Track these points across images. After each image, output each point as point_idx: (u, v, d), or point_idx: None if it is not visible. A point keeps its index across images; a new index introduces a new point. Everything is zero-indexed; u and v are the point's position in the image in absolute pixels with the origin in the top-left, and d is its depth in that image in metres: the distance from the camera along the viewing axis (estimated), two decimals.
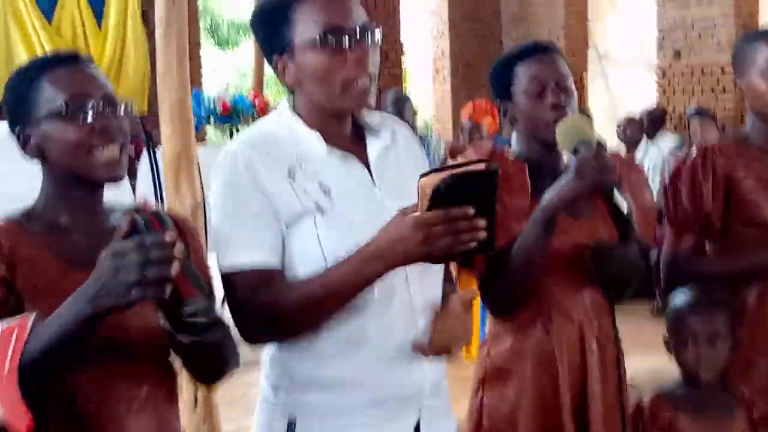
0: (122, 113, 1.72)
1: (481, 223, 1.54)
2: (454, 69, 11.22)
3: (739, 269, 2.52)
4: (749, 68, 2.45)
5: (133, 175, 5.54)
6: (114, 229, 1.67)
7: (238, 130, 6.47)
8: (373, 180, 1.84)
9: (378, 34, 1.82)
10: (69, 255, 1.71)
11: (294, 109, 1.86)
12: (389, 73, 10.64)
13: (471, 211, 1.53)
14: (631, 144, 8.04)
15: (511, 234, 2.11)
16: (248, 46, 11.76)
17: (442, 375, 1.95)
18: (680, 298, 2.45)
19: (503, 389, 2.25)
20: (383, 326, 1.81)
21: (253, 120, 6.42)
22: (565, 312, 2.23)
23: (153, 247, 1.39)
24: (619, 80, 10.66)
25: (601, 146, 2.03)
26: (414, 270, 1.79)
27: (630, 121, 8.12)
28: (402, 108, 6.20)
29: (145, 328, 1.66)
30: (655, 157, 7.60)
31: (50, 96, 1.67)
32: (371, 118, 1.93)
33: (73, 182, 1.71)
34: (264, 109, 6.30)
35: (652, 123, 8.09)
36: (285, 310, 1.71)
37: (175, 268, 1.40)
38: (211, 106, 6.07)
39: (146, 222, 1.45)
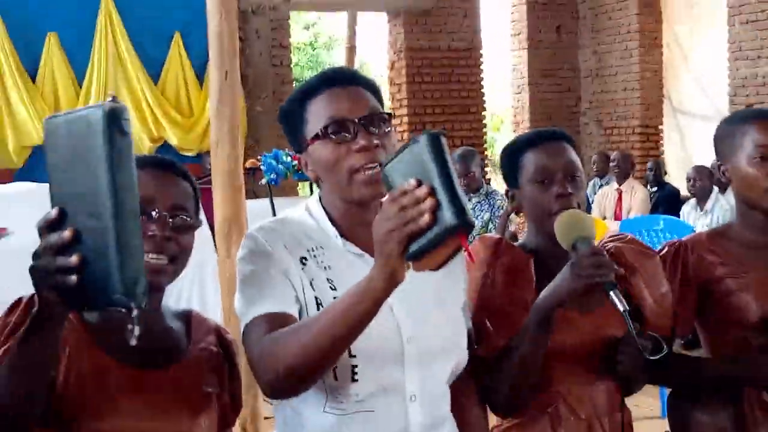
0: None
1: (421, 193, 1.27)
2: (533, 122, 11.00)
3: (735, 373, 2.21)
4: (736, 153, 2.17)
5: None
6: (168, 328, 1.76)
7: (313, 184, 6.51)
8: None
9: (387, 124, 1.71)
10: (114, 347, 1.64)
11: (321, 201, 1.76)
12: (470, 126, 10.53)
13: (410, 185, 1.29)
14: (701, 195, 7.63)
15: (515, 328, 1.95)
16: None
17: None
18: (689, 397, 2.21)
19: None
20: (372, 425, 1.67)
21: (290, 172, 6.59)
22: (573, 408, 2.02)
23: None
24: (693, 133, 10.34)
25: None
26: (413, 371, 1.68)
27: (700, 172, 7.70)
28: (469, 163, 6.13)
29: None
30: (725, 209, 7.19)
31: None
32: None
33: None
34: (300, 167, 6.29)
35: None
36: (286, 353, 1.52)
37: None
38: (290, 161, 6.11)
39: None
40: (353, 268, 1.66)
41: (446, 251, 1.31)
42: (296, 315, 1.63)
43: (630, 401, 2.13)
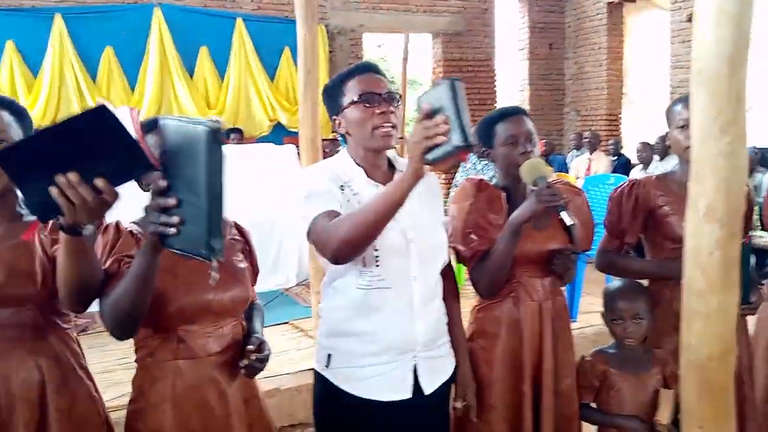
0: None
1: (438, 120, 1.36)
2: (531, 113, 10.70)
3: (653, 271, 2.27)
4: (670, 124, 2.21)
5: None
6: None
7: None
8: None
9: (399, 98, 1.76)
10: None
11: (348, 152, 1.81)
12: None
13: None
14: (646, 161, 7.45)
15: (492, 240, 2.01)
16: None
17: (438, 334, 1.84)
18: (613, 285, 2.22)
19: (484, 343, 2.10)
20: (387, 299, 1.72)
21: None
22: (529, 293, 2.08)
23: None
24: (642, 119, 10.05)
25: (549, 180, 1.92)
26: (414, 261, 1.73)
27: (645, 146, 7.52)
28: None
29: None
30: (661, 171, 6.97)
31: None
32: (401, 160, 1.85)
33: None
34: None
35: (664, 148, 7.50)
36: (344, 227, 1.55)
37: None
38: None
39: None
40: (372, 193, 1.73)
41: (452, 160, 1.39)
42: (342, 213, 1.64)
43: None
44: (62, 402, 1.63)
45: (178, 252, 1.30)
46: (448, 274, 1.94)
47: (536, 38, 10.79)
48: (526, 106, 10.79)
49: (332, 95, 1.79)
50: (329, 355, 1.80)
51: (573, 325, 2.31)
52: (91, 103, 7.79)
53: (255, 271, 1.88)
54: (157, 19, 8.02)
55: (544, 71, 10.88)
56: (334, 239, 1.55)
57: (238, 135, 7.98)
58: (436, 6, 9.82)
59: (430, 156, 1.39)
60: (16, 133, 1.59)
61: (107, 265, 1.56)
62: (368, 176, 1.76)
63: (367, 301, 1.72)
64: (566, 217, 1.86)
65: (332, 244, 1.56)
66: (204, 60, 8.32)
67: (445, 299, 1.91)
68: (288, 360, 3.79)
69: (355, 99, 1.71)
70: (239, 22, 8.44)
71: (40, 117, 7.59)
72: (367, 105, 1.70)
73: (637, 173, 7.52)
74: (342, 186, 1.73)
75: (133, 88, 8.05)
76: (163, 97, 8.14)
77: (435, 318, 1.83)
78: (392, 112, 1.71)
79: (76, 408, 1.66)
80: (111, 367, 3.60)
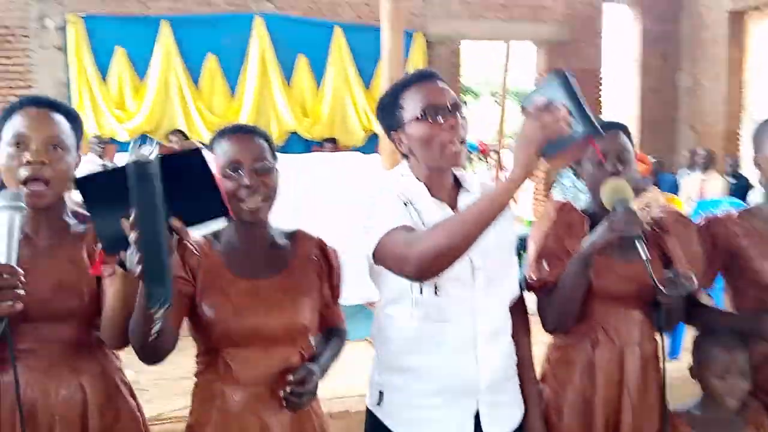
0: None
1: (560, 110, 1.28)
2: (642, 127, 10.22)
3: (739, 327, 1.94)
4: (762, 147, 1.90)
5: None
6: (274, 248, 1.64)
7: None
8: None
9: (465, 109, 1.61)
10: (236, 266, 1.60)
11: (410, 168, 1.68)
12: None
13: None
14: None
15: (564, 269, 1.83)
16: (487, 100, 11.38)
17: (505, 376, 1.65)
18: (711, 335, 1.94)
19: (555, 388, 1.91)
20: (446, 333, 1.58)
21: (478, 158, 6.23)
22: (610, 337, 1.86)
23: None
24: None
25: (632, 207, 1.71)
26: (480, 292, 1.59)
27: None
28: None
29: None
30: None
31: None
32: (468, 178, 1.72)
33: None
34: (485, 151, 6.01)
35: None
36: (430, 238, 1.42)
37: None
38: None
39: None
40: (436, 213, 1.59)
41: (575, 151, 1.33)
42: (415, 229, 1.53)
43: None
44: (104, 420, 1.60)
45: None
46: (519, 307, 1.78)
47: (648, 48, 10.25)
48: (636, 121, 10.27)
49: (388, 109, 1.66)
50: (381, 392, 1.68)
51: (673, 365, 2.06)
52: (193, 109, 8.07)
53: (335, 294, 1.75)
54: (258, 27, 8.21)
55: (656, 84, 10.31)
56: (418, 252, 1.40)
57: (332, 145, 8.02)
58: (541, 13, 9.52)
59: (548, 150, 1.29)
60: (71, 139, 1.57)
61: None
62: (432, 194, 1.63)
63: (422, 334, 1.59)
64: (641, 250, 1.65)
65: (417, 257, 1.40)
66: (302, 68, 8.43)
67: (515, 336, 1.74)
68: (360, 380, 3.66)
69: (419, 114, 1.57)
70: (338, 30, 8.50)
71: (146, 120, 7.94)
72: (433, 120, 1.56)
73: (756, 197, 6.92)
74: (405, 203, 1.60)
75: (233, 95, 8.27)
76: (262, 104, 8.32)
77: (502, 358, 1.67)
78: (461, 127, 1.57)
79: (119, 426, 1.63)
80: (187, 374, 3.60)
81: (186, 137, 7.87)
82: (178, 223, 1.22)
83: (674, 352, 4.08)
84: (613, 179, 1.75)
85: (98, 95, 7.82)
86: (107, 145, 7.48)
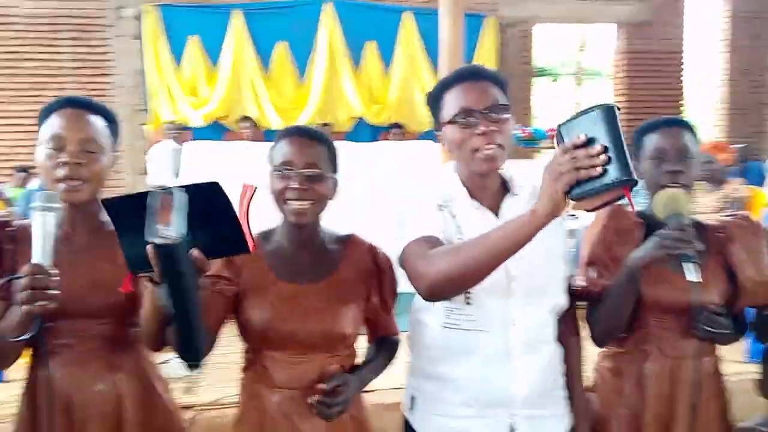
0: None
1: (596, 149, 1.13)
2: (730, 113, 9.69)
3: None
4: None
5: None
6: (325, 252, 1.64)
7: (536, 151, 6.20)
8: None
9: (506, 112, 1.51)
10: (280, 269, 1.61)
11: (455, 166, 1.62)
12: (671, 114, 9.46)
13: (584, 140, 1.14)
14: None
15: (611, 278, 1.72)
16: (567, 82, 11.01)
17: (544, 389, 1.57)
18: None
19: (604, 399, 1.81)
20: (478, 343, 1.51)
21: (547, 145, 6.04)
22: (662, 349, 1.75)
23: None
24: None
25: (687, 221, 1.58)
26: (516, 303, 1.51)
27: None
28: None
29: None
30: None
31: None
32: (518, 181, 1.63)
33: None
34: (554, 138, 5.83)
35: None
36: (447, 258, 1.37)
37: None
38: (519, 134, 5.76)
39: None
40: (474, 217, 1.53)
41: (606, 198, 1.17)
42: (443, 241, 1.47)
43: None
44: (139, 416, 1.62)
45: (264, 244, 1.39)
46: (570, 314, 1.69)
47: (738, 29, 9.67)
48: (722, 104, 9.75)
49: (433, 107, 1.61)
50: (413, 398, 1.64)
51: (750, 367, 1.93)
52: (263, 95, 8.20)
53: (386, 304, 1.70)
54: (328, 13, 8.24)
55: (745, 65, 9.72)
56: (432, 272, 1.35)
57: (399, 130, 7.97)
58: None
59: (576, 191, 1.16)
60: (106, 139, 1.60)
61: None
62: (472, 197, 1.56)
63: (454, 342, 1.52)
64: (689, 271, 1.52)
65: (429, 277, 1.36)
66: (370, 54, 8.41)
67: (564, 345, 1.65)
68: None
69: (452, 117, 1.52)
70: (407, 15, 8.42)
71: (218, 107, 8.13)
72: (465, 124, 1.49)
73: None
74: (441, 206, 1.54)
75: (302, 81, 8.34)
76: (330, 90, 8.36)
77: (541, 369, 1.57)
78: (496, 131, 1.48)
79: (154, 422, 1.65)
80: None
81: (255, 124, 8.02)
82: (199, 255, 1.21)
83: (753, 357, 3.85)
84: (670, 189, 1.63)
85: (173, 82, 8.07)
86: (181, 131, 7.69)
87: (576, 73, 10.20)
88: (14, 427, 1.61)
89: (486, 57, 8.64)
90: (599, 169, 1.12)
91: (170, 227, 1.16)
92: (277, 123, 8.22)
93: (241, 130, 7.88)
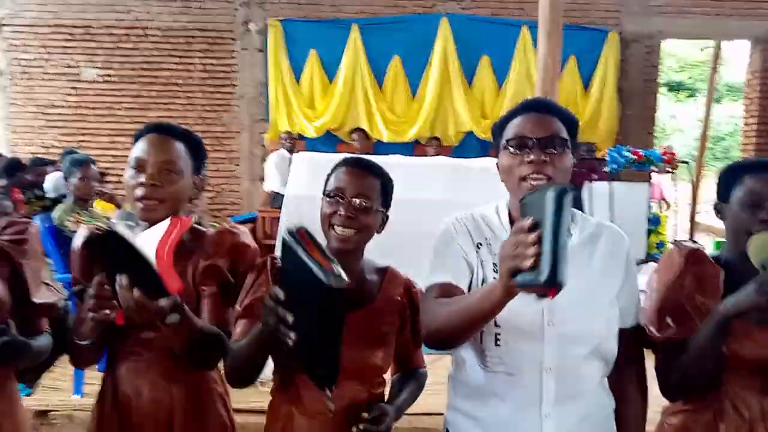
0: None
1: (531, 239, 1.04)
2: (760, 130, 8.76)
3: None
4: None
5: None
6: (363, 281, 1.66)
7: (648, 175, 5.90)
8: None
9: (564, 147, 1.47)
10: None
11: (509, 200, 1.58)
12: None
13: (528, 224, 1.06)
14: None
15: (693, 329, 1.59)
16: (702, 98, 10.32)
17: None
18: None
19: None
20: (509, 387, 1.47)
21: (664, 169, 5.69)
22: (738, 408, 1.61)
23: None
24: None
25: None
26: (551, 348, 1.44)
27: None
28: None
29: None
30: None
31: None
32: (578, 219, 1.57)
33: None
34: (671, 161, 5.52)
35: None
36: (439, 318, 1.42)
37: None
38: (629, 156, 5.50)
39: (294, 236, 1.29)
40: None
41: (541, 291, 1.06)
42: (465, 287, 1.47)
43: None
44: (189, 428, 1.69)
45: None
46: (632, 359, 1.59)
47: None
48: (754, 122, 8.84)
49: (495, 134, 1.59)
50: (447, 430, 1.62)
51: None
52: (375, 109, 8.36)
53: (417, 338, 1.72)
54: (443, 28, 8.27)
55: None
56: (430, 323, 1.41)
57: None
58: (759, 9, 8.49)
59: (517, 279, 1.08)
60: (186, 165, 1.68)
61: (242, 305, 1.60)
62: None
63: (487, 384, 1.49)
64: None
65: (430, 327, 1.41)
66: (484, 69, 8.36)
67: (623, 394, 1.56)
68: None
69: (504, 144, 1.50)
70: (525, 29, 8.29)
71: (331, 119, 8.37)
72: (514, 152, 1.47)
73: None
74: (480, 244, 1.51)
75: (414, 96, 8.42)
76: (441, 104, 8.39)
77: (577, 421, 1.48)
78: (547, 162, 1.43)
79: None
80: None
81: (367, 136, 8.19)
82: (136, 294, 1.32)
83: None
84: (765, 233, 1.50)
85: (291, 95, 8.39)
86: (296, 140, 8.00)
87: (706, 91, 9.61)
88: (90, 423, 1.76)
89: (608, 72, 8.36)
90: (529, 262, 1.04)
91: (338, 269, 1.22)
92: (386, 136, 8.36)
93: (351, 141, 8.09)
